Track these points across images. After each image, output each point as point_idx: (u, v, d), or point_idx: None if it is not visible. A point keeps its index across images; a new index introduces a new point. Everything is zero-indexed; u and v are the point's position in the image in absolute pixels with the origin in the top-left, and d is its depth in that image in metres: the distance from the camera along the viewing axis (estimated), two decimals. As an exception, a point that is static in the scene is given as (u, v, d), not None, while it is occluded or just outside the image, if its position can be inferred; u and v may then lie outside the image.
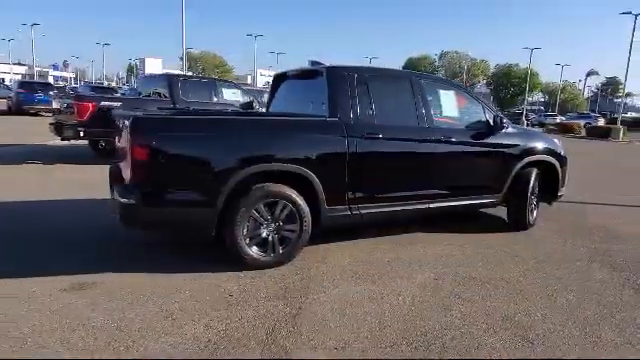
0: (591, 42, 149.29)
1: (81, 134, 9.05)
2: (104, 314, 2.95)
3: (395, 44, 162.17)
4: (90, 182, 6.69)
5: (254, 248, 3.74)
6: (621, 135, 26.91)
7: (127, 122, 3.45)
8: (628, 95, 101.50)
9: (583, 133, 29.59)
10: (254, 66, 61.34)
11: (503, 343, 2.79)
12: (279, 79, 5.22)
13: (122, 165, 3.96)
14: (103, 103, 9.19)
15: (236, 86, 11.64)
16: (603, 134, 27.21)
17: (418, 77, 4.73)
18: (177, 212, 3.52)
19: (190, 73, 49.48)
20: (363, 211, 4.19)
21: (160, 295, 3.25)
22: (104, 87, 32.57)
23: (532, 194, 5.13)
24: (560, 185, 5.44)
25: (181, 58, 76.69)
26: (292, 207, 3.80)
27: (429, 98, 4.60)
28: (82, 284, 3.38)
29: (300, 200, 3.82)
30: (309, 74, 4.67)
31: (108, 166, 4.56)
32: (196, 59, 75.07)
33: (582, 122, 33.75)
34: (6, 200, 5.67)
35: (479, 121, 4.84)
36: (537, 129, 25.23)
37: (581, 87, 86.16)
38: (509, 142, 4.97)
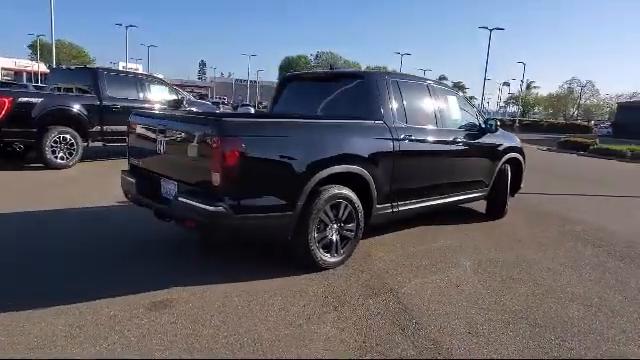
0: (452, 52, 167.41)
1: (-6, 136, 7.73)
2: (211, 329, 2.80)
3: (272, 43, 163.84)
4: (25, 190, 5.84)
5: (321, 249, 3.79)
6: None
7: (209, 126, 3.25)
8: (470, 98, 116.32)
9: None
10: (126, 58, 56.75)
11: (586, 307, 3.34)
12: (289, 80, 5.21)
13: (179, 169, 3.67)
14: (22, 99, 7.95)
15: (163, 83, 10.91)
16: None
17: (432, 83, 5.16)
18: (261, 218, 3.41)
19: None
20: (400, 208, 4.48)
21: (257, 303, 3.17)
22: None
23: (506, 187, 5.93)
24: (522, 179, 6.35)
25: (30, 46, 67.13)
26: (351, 207, 3.93)
27: (442, 102, 5.06)
28: (163, 301, 3.12)
29: (356, 200, 3.96)
30: (339, 77, 4.78)
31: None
32: (50, 50, 66.30)
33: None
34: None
35: (475, 123, 5.46)
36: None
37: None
38: (497, 142, 5.70)
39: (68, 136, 8.36)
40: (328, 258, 3.83)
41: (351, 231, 3.98)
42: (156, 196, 3.90)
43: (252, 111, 32.24)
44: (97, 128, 8.91)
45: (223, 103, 47.51)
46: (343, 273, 3.82)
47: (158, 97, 10.25)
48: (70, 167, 8.33)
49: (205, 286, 3.40)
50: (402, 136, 4.35)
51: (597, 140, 22.66)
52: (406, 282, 3.72)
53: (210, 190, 3.26)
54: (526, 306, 3.38)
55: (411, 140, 4.44)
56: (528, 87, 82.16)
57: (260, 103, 69.51)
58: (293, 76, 5.23)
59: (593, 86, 78.32)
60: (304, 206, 3.57)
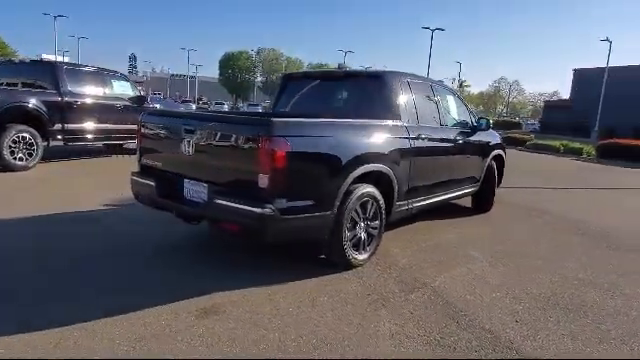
0: (396, 50, 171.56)
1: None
2: (277, 333, 2.77)
3: (211, 39, 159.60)
4: None
5: (352, 248, 3.83)
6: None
7: (256, 126, 3.18)
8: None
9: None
10: (55, 50, 52.90)
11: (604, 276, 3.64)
12: (293, 78, 5.17)
13: (213, 171, 3.56)
14: (-26, 95, 7.24)
15: (125, 78, 10.36)
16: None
17: (434, 83, 5.34)
18: (304, 219, 3.39)
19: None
20: (414, 205, 4.62)
21: (306, 305, 3.16)
22: None
23: (494, 182, 6.28)
24: (503, 174, 6.73)
25: None
26: (376, 205, 4.00)
27: (443, 101, 5.26)
28: (209, 307, 3.03)
29: (381, 198, 4.04)
30: (354, 77, 4.81)
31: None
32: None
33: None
34: None
35: (468, 121, 5.72)
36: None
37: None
38: (486, 139, 6.01)
39: (27, 135, 7.73)
40: (358, 256, 3.88)
41: (376, 228, 4.05)
42: (178, 198, 3.75)
43: (193, 107, 31.38)
44: (58, 126, 8.31)
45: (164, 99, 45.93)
46: (371, 270, 3.89)
47: (121, 93, 9.75)
48: (30, 169, 7.71)
49: (243, 290, 3.32)
50: (416, 135, 4.48)
51: (533, 136, 24.37)
52: (435, 276, 3.85)
53: (254, 192, 3.19)
54: (551, 293, 3.64)
55: (423, 139, 4.58)
56: (460, 86, 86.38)
57: (200, 99, 67.75)
58: (297, 74, 5.21)
59: (519, 85, 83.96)
60: (340, 205, 3.60)
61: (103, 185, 6.72)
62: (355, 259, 3.85)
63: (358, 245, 3.89)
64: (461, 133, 5.48)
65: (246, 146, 3.24)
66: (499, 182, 6.68)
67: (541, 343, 2.83)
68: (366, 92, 4.64)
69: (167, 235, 4.47)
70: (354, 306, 3.20)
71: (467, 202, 6.48)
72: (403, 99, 4.48)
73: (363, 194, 3.81)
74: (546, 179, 10.82)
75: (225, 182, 3.45)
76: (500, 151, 6.44)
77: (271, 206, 3.15)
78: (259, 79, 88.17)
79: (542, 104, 49.63)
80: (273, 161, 3.10)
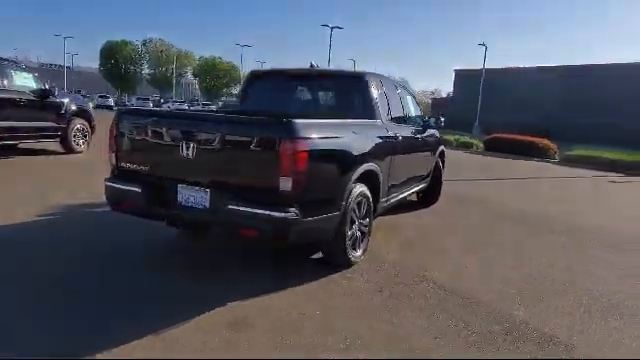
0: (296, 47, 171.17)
1: None
2: (320, 337, 2.75)
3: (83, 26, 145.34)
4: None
5: (351, 246, 3.87)
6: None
7: (277, 127, 3.05)
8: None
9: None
10: None
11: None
12: (263, 76, 5.01)
13: (219, 174, 3.34)
14: None
15: (26, 69, 9.09)
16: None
17: (397, 82, 5.54)
18: (318, 221, 3.33)
19: None
20: (390, 201, 4.79)
21: (330, 307, 3.15)
22: None
23: (441, 176, 6.74)
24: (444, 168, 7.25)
25: None
26: (367, 203, 4.09)
27: (406, 99, 5.51)
28: (236, 320, 2.87)
29: (370, 196, 4.14)
30: (330, 76, 4.78)
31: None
32: None
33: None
34: None
35: (421, 119, 6.05)
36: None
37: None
38: (434, 136, 6.41)
39: None
40: (354, 254, 3.94)
41: (366, 226, 4.14)
42: (171, 204, 3.46)
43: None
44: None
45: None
46: (367, 267, 3.95)
47: (22, 85, 8.55)
48: None
49: (261, 298, 3.19)
50: (393, 133, 4.65)
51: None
52: (426, 269, 4.04)
53: (272, 195, 3.07)
54: (552, 278, 4.05)
55: (397, 137, 4.77)
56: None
57: (78, 91, 61.60)
58: (267, 72, 5.05)
59: (406, 82, 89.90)
60: (345, 205, 3.62)
61: (25, 199, 5.88)
62: (354, 257, 3.90)
63: (354, 243, 3.95)
64: (419, 131, 5.79)
65: (264, 148, 3.10)
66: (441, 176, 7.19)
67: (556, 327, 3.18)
68: (345, 92, 4.69)
69: (149, 241, 4.09)
70: (373, 302, 3.26)
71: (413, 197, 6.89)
72: (381, 99, 4.61)
73: (359, 193, 3.87)
74: (455, 171, 11.85)
75: (235, 186, 3.26)
76: (443, 147, 6.93)
77: (293, 209, 3.06)
78: (146, 71, 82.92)
79: (429, 101, 54.29)
80: (295, 163, 3.02)
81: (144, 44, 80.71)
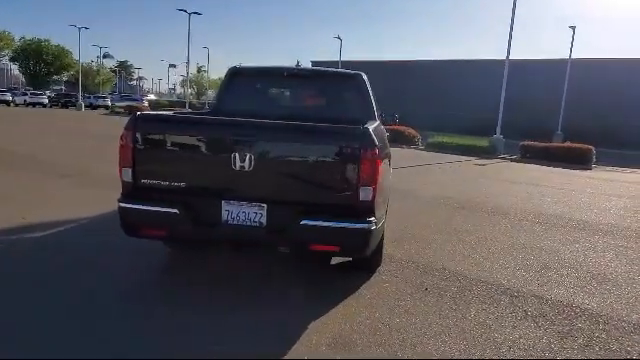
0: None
1: None
2: (406, 339, 2.82)
3: None
4: None
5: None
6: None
7: (354, 136, 2.92)
8: (141, 79, 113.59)
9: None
10: None
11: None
12: (243, 74, 4.61)
13: (282, 188, 3.11)
14: None
15: None
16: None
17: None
18: (382, 226, 3.35)
19: None
20: (382, 201, 4.94)
21: (396, 314, 3.20)
22: None
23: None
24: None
25: None
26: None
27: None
28: (333, 339, 2.76)
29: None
30: (321, 76, 4.63)
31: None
32: None
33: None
34: None
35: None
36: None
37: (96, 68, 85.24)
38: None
39: None
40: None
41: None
42: (215, 224, 3.07)
43: None
44: None
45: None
46: (389, 268, 4.03)
47: None
48: None
49: (324, 317, 3.05)
50: (384, 133, 4.75)
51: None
52: (438, 261, 4.30)
53: (350, 206, 2.96)
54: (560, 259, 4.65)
55: (384, 135, 4.89)
56: (199, 71, 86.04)
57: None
58: (248, 70, 4.66)
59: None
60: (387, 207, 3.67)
61: None
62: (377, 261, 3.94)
63: (380, 246, 4.00)
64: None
65: (340, 158, 2.96)
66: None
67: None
68: (341, 92, 4.61)
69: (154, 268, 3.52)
70: (425, 300, 3.42)
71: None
72: (373, 98, 4.66)
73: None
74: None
75: (300, 200, 3.04)
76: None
77: (373, 219, 3.00)
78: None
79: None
80: (374, 172, 2.96)
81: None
